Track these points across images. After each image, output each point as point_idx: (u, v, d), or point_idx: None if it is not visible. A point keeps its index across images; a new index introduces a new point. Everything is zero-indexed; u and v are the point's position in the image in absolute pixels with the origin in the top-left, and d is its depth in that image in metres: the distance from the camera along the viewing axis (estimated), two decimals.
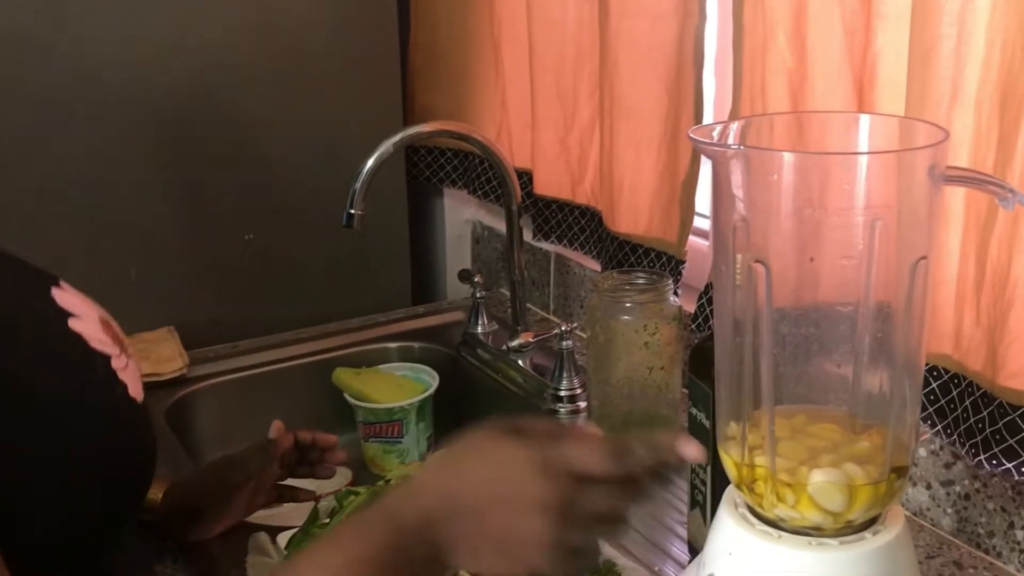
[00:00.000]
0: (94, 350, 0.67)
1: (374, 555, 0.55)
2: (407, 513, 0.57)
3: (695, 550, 0.91)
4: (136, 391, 0.69)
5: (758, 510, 0.63)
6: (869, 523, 0.62)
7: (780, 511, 0.61)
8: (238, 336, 1.46)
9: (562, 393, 1.25)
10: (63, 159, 1.32)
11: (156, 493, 0.90)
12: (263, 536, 0.95)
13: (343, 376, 1.31)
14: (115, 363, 0.68)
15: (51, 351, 0.65)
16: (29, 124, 1.30)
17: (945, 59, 0.81)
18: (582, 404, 1.25)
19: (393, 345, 1.48)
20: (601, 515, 0.57)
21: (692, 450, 0.58)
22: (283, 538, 0.94)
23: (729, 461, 0.64)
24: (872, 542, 0.60)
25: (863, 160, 0.59)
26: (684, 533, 0.98)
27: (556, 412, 1.25)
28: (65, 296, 0.70)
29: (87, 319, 0.69)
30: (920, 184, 0.59)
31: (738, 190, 0.60)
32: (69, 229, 1.34)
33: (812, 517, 0.60)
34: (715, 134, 0.63)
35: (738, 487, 0.64)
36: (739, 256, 0.61)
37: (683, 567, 0.93)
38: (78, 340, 0.66)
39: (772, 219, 0.59)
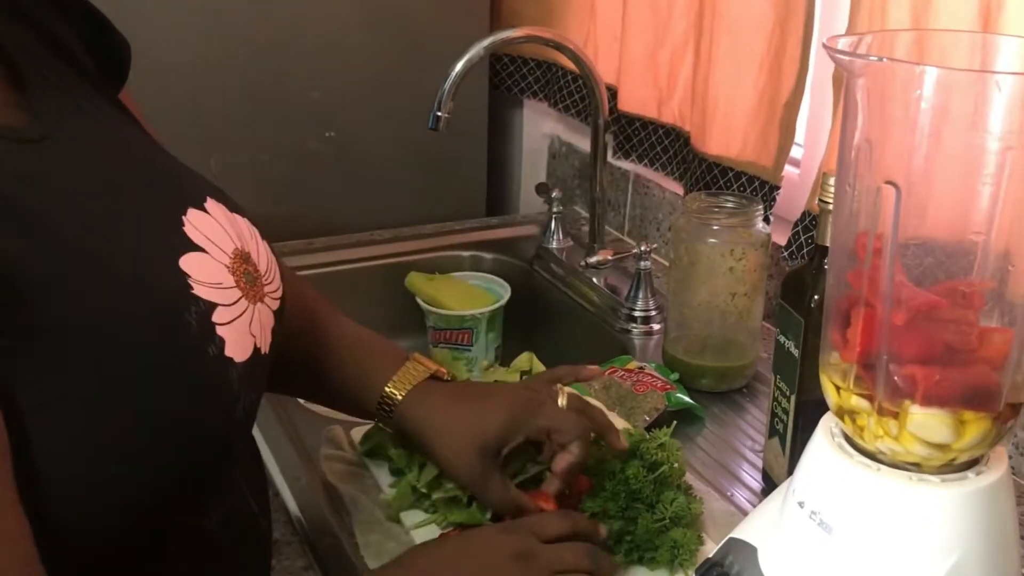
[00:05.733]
0: (195, 297, 0.57)
1: None
2: None
3: (770, 478, 0.90)
4: (237, 350, 0.59)
5: (857, 441, 0.61)
6: (971, 463, 0.60)
7: (881, 444, 0.59)
8: (313, 233, 1.46)
9: (636, 313, 1.24)
10: (147, 44, 1.31)
11: None
12: (338, 429, 0.95)
13: (416, 280, 1.31)
14: (219, 315, 0.58)
15: (143, 294, 0.55)
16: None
17: None
18: (655, 326, 1.23)
19: (466, 254, 1.47)
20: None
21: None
22: (357, 433, 0.95)
23: (831, 387, 0.62)
24: (975, 482, 0.59)
25: (1011, 81, 0.55)
26: (756, 460, 0.97)
27: (629, 332, 1.24)
28: (201, 221, 0.62)
29: (213, 253, 0.61)
30: None
31: (870, 107, 0.57)
32: (150, 114, 1.34)
33: (915, 450, 0.58)
34: (842, 46, 0.60)
35: (838, 416, 0.62)
36: (865, 177, 0.58)
37: (755, 493, 0.92)
38: (180, 283, 0.57)
39: (906, 139, 0.56)
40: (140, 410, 0.53)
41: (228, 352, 0.58)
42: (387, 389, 0.81)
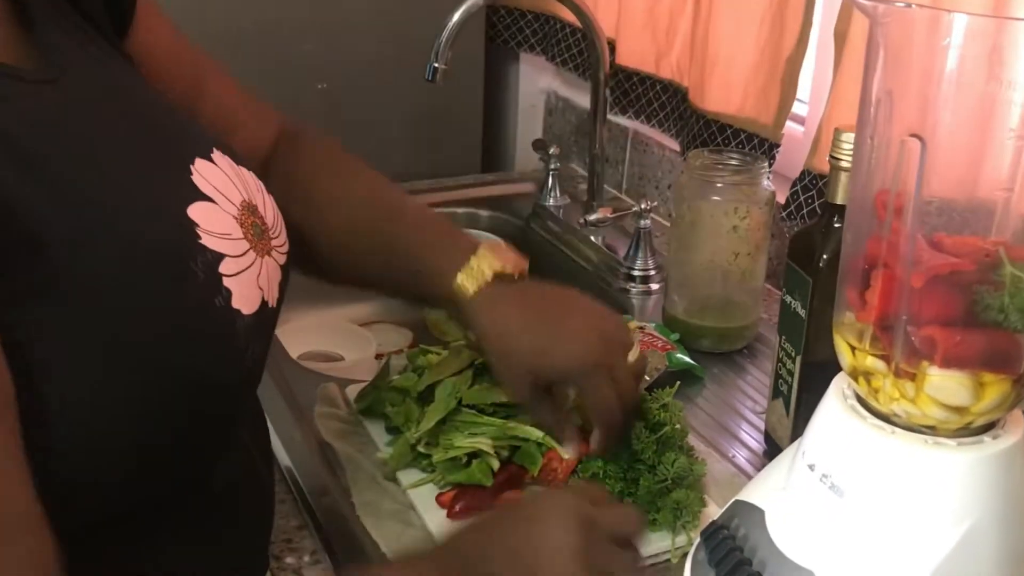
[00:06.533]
0: (202, 247, 0.56)
1: None
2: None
3: (772, 440, 0.89)
4: (243, 302, 0.58)
5: (871, 403, 0.59)
6: (988, 427, 0.59)
7: (897, 406, 0.57)
8: None
9: (635, 273, 1.22)
10: None
11: None
12: (332, 387, 0.94)
13: None
14: (226, 266, 0.57)
15: (148, 243, 0.54)
16: None
17: None
18: (654, 286, 1.21)
19: (460, 211, 1.45)
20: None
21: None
22: (352, 391, 0.93)
23: (845, 348, 0.60)
24: (992, 446, 0.57)
25: None
26: (757, 421, 0.95)
27: (627, 291, 1.22)
28: (209, 171, 0.60)
29: (221, 204, 0.59)
30: None
31: (892, 57, 0.54)
32: None
33: (932, 413, 0.56)
34: None
35: (852, 377, 0.60)
36: (885, 131, 0.56)
37: (757, 455, 0.91)
38: (187, 233, 0.56)
39: (931, 90, 0.53)
40: (147, 359, 0.52)
41: (235, 304, 0.57)
42: (457, 281, 0.76)
